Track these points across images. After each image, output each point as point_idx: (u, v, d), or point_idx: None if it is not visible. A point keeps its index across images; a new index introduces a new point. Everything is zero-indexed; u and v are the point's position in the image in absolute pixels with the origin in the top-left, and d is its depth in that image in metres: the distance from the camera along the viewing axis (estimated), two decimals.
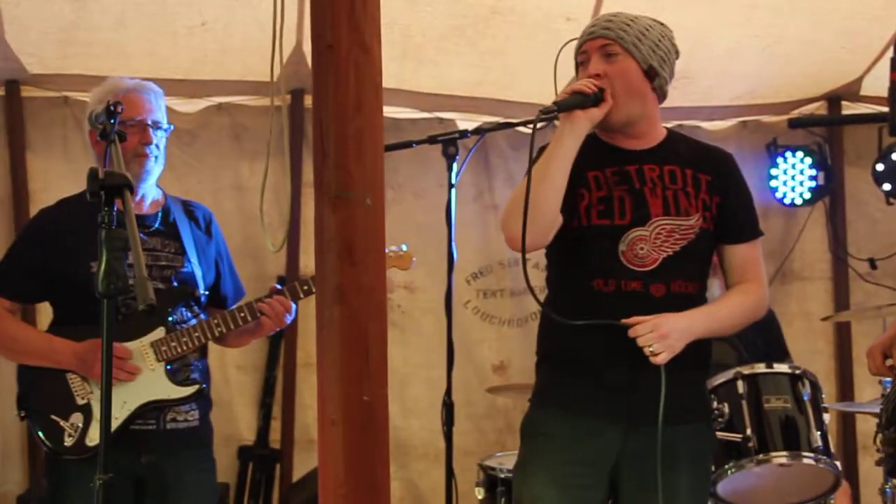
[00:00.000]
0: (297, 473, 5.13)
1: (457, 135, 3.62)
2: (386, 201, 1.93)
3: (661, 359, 2.52)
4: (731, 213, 2.73)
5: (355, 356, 1.83)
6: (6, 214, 4.82)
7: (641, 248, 2.63)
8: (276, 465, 5.13)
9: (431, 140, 3.60)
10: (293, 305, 3.20)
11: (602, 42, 2.65)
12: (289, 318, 3.19)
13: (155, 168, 3.14)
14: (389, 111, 4.90)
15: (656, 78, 2.68)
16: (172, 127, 3.18)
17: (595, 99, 2.60)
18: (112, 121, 2.59)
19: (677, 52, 2.75)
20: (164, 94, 3.21)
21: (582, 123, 2.60)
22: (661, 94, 2.73)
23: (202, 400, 3.15)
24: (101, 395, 2.26)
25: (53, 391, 3.00)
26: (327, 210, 1.86)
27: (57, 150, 4.91)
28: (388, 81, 1.91)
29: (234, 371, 5.08)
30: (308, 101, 4.95)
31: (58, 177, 4.86)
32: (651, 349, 2.52)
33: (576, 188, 2.65)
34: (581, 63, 2.72)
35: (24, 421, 3.05)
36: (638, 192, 2.67)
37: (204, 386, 3.13)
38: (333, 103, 1.84)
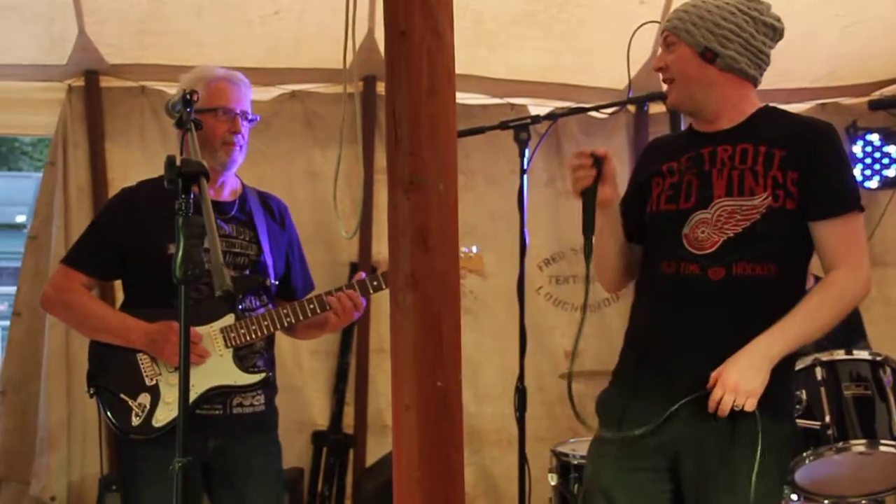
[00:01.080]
0: (371, 458, 5.16)
1: (529, 120, 3.59)
2: (458, 187, 1.92)
3: (749, 406, 2.48)
4: (811, 187, 2.58)
5: (429, 342, 1.83)
6: (85, 203, 4.91)
7: (702, 232, 2.62)
8: (349, 450, 5.17)
9: (503, 126, 3.58)
10: (363, 301, 3.21)
11: (664, 35, 2.72)
12: (356, 315, 3.21)
13: (240, 157, 3.19)
14: (461, 97, 4.89)
15: (717, 58, 2.64)
16: (258, 118, 3.22)
17: (595, 163, 2.74)
18: (188, 109, 2.63)
19: (765, 25, 2.68)
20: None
21: (607, 208, 2.74)
22: (739, 72, 2.67)
23: (268, 387, 3.19)
24: (179, 379, 2.30)
25: (123, 370, 3.05)
26: (400, 196, 1.86)
27: (134, 139, 4.98)
28: (459, 67, 1.90)
29: (307, 357, 5.13)
30: (380, 87, 4.96)
31: (135, 165, 4.93)
32: (737, 405, 2.48)
33: (652, 179, 2.74)
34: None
35: (94, 398, 3.09)
36: (705, 175, 2.65)
37: (270, 374, 3.17)
38: (406, 89, 1.84)
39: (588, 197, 2.69)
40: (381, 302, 4.72)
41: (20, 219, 11.83)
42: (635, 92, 2.87)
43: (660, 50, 2.71)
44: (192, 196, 2.32)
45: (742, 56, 2.65)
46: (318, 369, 5.20)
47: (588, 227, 2.68)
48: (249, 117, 3.18)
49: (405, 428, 1.83)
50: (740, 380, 2.47)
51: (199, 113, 3.00)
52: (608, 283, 2.87)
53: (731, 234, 2.59)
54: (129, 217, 3.12)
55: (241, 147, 3.16)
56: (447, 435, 1.83)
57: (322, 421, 5.18)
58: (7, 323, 5.26)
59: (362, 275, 3.27)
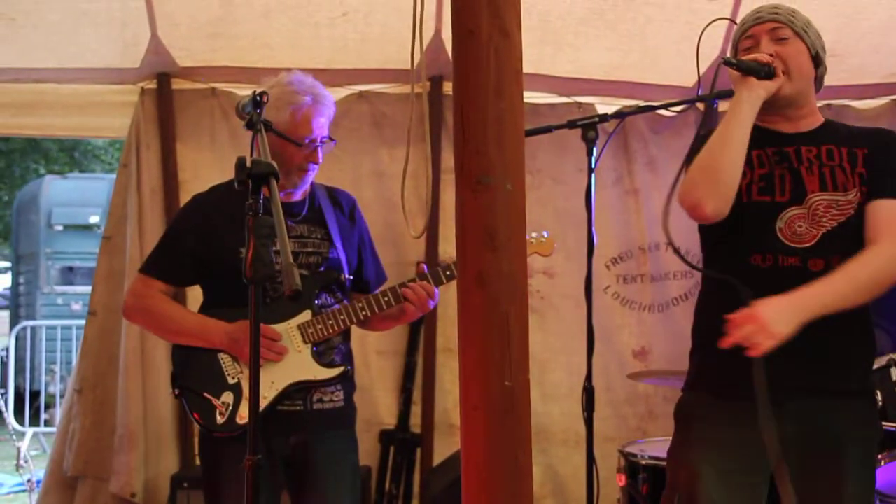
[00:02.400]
0: (438, 458, 5.17)
1: (596, 119, 3.58)
2: (525, 186, 1.92)
3: (758, 349, 2.40)
4: (875, 169, 2.66)
5: (497, 341, 1.82)
6: (158, 204, 4.98)
7: (800, 226, 2.62)
8: (416, 449, 5.18)
9: (571, 125, 3.57)
10: (436, 290, 3.23)
11: (772, 25, 2.70)
12: (432, 304, 3.23)
13: (312, 178, 3.23)
14: (528, 96, 4.88)
15: (820, 66, 2.74)
16: (335, 142, 3.23)
17: (768, 72, 2.63)
18: (258, 111, 2.65)
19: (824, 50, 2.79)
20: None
21: (758, 91, 2.63)
22: (820, 84, 2.78)
23: (346, 382, 3.22)
24: (249, 378, 2.33)
25: (205, 370, 3.10)
26: (468, 195, 1.85)
27: (205, 140, 5.05)
28: (526, 66, 1.89)
29: (374, 356, 5.16)
30: (447, 87, 4.97)
31: (205, 166, 5.00)
32: (754, 341, 2.41)
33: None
34: (747, 49, 2.74)
35: (179, 399, 3.15)
36: (795, 171, 2.67)
37: (349, 368, 3.19)
38: (474, 89, 1.83)
39: (755, 65, 2.62)
40: (449, 301, 4.72)
41: (93, 220, 12.04)
42: (704, 89, 2.84)
43: (764, 39, 2.69)
44: (262, 197, 2.34)
45: (825, 70, 2.77)
46: (386, 368, 5.22)
47: (744, 65, 2.62)
48: (326, 139, 3.19)
49: (473, 427, 1.83)
50: (771, 320, 2.41)
51: (279, 136, 3.05)
52: (723, 195, 2.57)
53: (829, 228, 2.62)
54: (202, 224, 3.16)
55: (314, 171, 3.20)
56: (515, 434, 1.82)
57: (389, 420, 5.20)
58: (82, 322, 5.36)
59: (424, 267, 3.29)
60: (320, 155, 3.17)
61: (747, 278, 2.60)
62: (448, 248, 5.08)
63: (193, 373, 3.11)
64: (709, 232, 2.79)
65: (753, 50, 2.70)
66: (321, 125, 3.15)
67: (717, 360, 2.66)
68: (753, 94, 2.62)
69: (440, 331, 5.20)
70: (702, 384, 2.75)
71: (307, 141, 3.11)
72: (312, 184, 3.30)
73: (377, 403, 5.16)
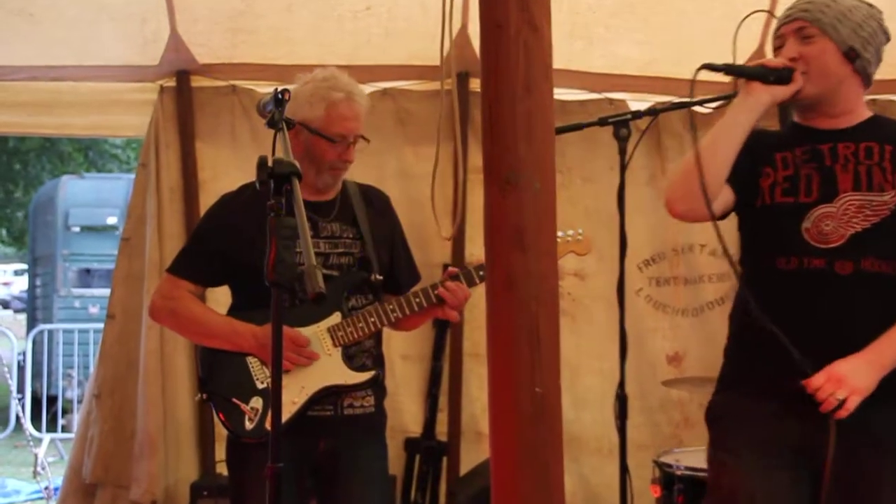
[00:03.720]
0: (465, 466, 5.16)
1: (629, 116, 3.58)
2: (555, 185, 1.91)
3: (850, 403, 2.43)
4: None
5: (526, 346, 1.82)
6: (177, 204, 5.01)
7: (827, 225, 2.59)
8: (442, 457, 5.17)
9: (602, 122, 3.57)
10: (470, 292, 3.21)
11: (798, 24, 2.66)
12: (464, 304, 3.21)
13: (344, 174, 3.24)
14: (557, 92, 4.85)
15: (857, 60, 2.66)
16: (369, 141, 3.23)
17: (780, 76, 2.59)
18: (280, 109, 2.66)
19: (887, 36, 2.72)
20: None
21: (759, 97, 2.60)
22: (865, 77, 2.70)
23: (377, 387, 3.22)
24: (271, 384, 2.34)
25: (234, 375, 3.11)
26: (496, 195, 1.85)
27: (225, 138, 5.07)
28: (555, 61, 1.89)
29: (399, 361, 5.14)
30: (473, 84, 4.97)
31: (225, 165, 5.03)
32: (836, 397, 2.43)
33: (761, 168, 2.67)
34: (776, 48, 2.73)
35: (206, 404, 3.16)
36: (827, 170, 2.63)
37: (379, 372, 3.19)
38: (502, 85, 1.83)
39: (759, 70, 2.61)
40: (476, 304, 4.72)
41: (111, 220, 12.11)
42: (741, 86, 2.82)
43: (789, 40, 2.67)
44: (285, 196, 2.35)
45: (873, 61, 2.70)
46: (411, 374, 5.22)
47: (735, 69, 2.62)
48: (359, 138, 3.20)
49: (502, 435, 1.83)
50: (850, 375, 2.44)
51: (313, 133, 3.07)
52: (692, 200, 2.55)
53: (860, 229, 2.57)
54: (229, 224, 3.17)
55: (347, 169, 3.21)
56: (546, 442, 1.82)
57: (415, 427, 5.20)
58: (100, 325, 5.40)
59: (454, 270, 3.28)
60: (353, 154, 3.17)
61: (773, 282, 2.61)
62: (475, 250, 5.08)
63: (221, 377, 3.12)
64: (742, 234, 2.79)
65: (781, 51, 2.69)
66: (356, 124, 3.16)
67: (752, 359, 2.67)
68: (752, 99, 2.60)
69: (467, 335, 5.20)
70: (736, 384, 2.74)
71: (341, 138, 3.12)
72: (344, 182, 3.30)
73: (402, 410, 5.16)
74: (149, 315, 3.36)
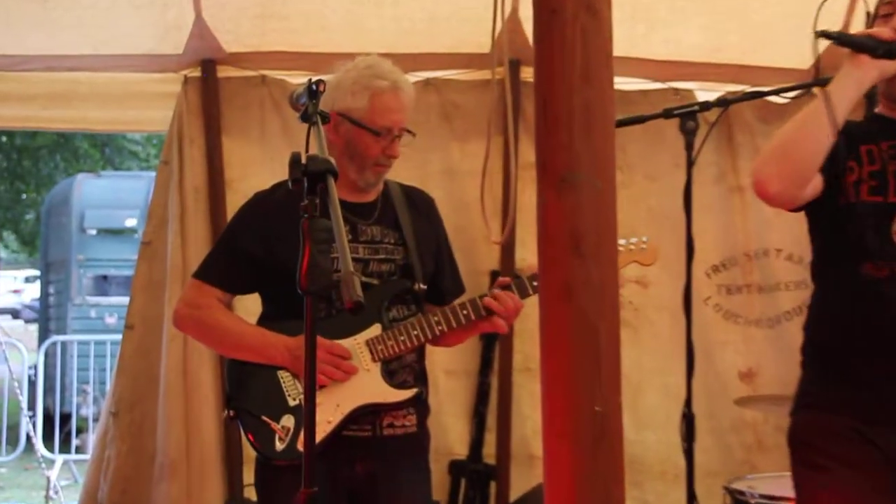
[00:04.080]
0: (515, 492, 5.16)
1: (696, 107, 3.56)
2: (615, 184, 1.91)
3: None
4: None
5: (585, 360, 1.82)
6: (202, 205, 5.05)
7: None
8: (490, 482, 5.18)
9: (667, 114, 3.56)
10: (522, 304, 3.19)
11: None
12: (515, 317, 3.20)
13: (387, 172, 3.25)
14: (618, 82, 4.85)
15: None
16: (415, 135, 3.24)
17: (889, 50, 2.54)
18: (314, 101, 2.67)
19: None
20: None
21: (868, 71, 2.56)
22: None
23: (420, 405, 3.23)
24: (304, 402, 2.34)
25: (264, 390, 3.13)
26: (551, 195, 1.85)
27: (254, 134, 5.11)
28: (615, 48, 1.89)
29: (442, 376, 5.14)
30: (525, 73, 4.96)
31: (254, 163, 5.06)
32: None
33: (845, 162, 2.64)
34: (885, 16, 2.67)
35: (233, 422, 3.17)
36: None
37: (422, 390, 3.20)
38: (558, 74, 1.83)
39: (868, 41, 2.55)
40: (528, 315, 4.72)
41: (130, 223, 12.22)
42: (824, 72, 2.80)
43: (885, 11, 2.64)
44: (320, 196, 2.36)
45: None
46: (456, 391, 5.23)
47: (846, 38, 2.55)
48: (404, 132, 3.21)
49: (557, 458, 1.83)
50: None
51: (355, 125, 3.09)
52: (791, 176, 2.56)
53: None
54: (263, 225, 3.19)
55: (390, 166, 3.22)
56: (606, 466, 1.82)
57: (460, 449, 5.21)
58: (117, 337, 5.45)
59: (505, 279, 3.27)
60: (399, 150, 3.18)
61: (860, 290, 2.59)
62: (526, 255, 5.08)
63: (250, 393, 3.14)
64: (817, 238, 2.78)
65: (890, 18, 2.63)
66: (402, 116, 3.17)
67: (834, 376, 2.65)
68: (860, 72, 2.55)
69: (518, 347, 5.20)
70: (818, 404, 2.72)
71: (386, 131, 3.14)
72: (386, 182, 3.31)
73: (446, 430, 5.16)
74: (172, 324, 3.39)
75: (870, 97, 2.85)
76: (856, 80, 2.56)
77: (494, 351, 5.19)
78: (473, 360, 5.22)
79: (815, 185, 2.62)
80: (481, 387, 5.21)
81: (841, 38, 2.55)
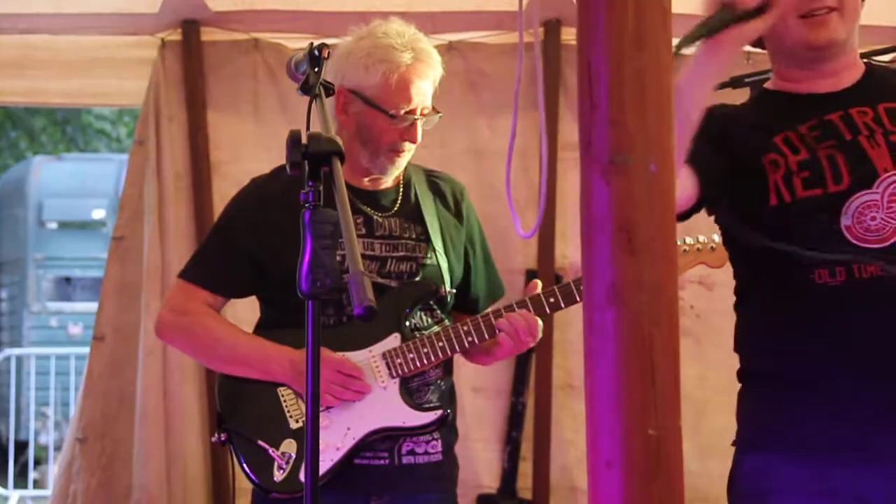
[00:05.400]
0: None
1: (770, 74, 3.56)
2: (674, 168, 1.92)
3: None
4: None
5: (637, 376, 1.83)
6: (184, 193, 5.10)
7: (873, 218, 2.55)
8: None
9: (736, 82, 3.55)
10: (539, 323, 3.18)
11: None
12: (531, 342, 3.20)
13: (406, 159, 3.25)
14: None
15: None
16: (440, 115, 3.25)
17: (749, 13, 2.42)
18: (317, 70, 2.68)
19: None
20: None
21: (729, 51, 2.47)
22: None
23: (445, 429, 3.25)
24: (306, 423, 2.36)
25: (262, 410, 3.16)
26: (597, 180, 1.86)
27: (245, 108, 5.14)
28: (674, 4, 1.89)
29: (469, 396, 5.16)
30: (566, 34, 4.98)
31: (246, 142, 5.09)
32: None
33: (761, 159, 2.63)
34: None
35: (224, 446, 3.20)
36: (853, 145, 2.61)
37: (448, 412, 3.20)
38: (605, 37, 1.84)
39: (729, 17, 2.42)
40: (570, 322, 4.73)
41: (97, 215, 12.26)
42: None
43: None
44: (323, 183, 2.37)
45: None
46: (485, 412, 5.25)
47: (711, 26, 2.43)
48: (429, 111, 3.21)
49: (606, 491, 1.84)
50: None
51: (368, 105, 3.10)
52: None
53: None
54: (262, 217, 3.22)
55: (410, 152, 3.22)
56: (662, 500, 1.83)
57: (490, 481, 5.23)
58: (84, 350, 5.47)
59: (537, 285, 3.28)
60: (419, 134, 3.18)
61: (813, 302, 2.59)
62: (567, 251, 5.10)
63: (246, 413, 3.17)
64: (743, 255, 2.82)
65: None
66: (423, 92, 3.17)
67: (790, 408, 2.68)
68: (720, 51, 2.45)
69: (557, 362, 5.21)
70: (767, 439, 2.76)
71: (404, 112, 3.14)
72: (408, 166, 3.31)
73: (474, 458, 5.17)
74: (155, 334, 3.41)
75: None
76: (711, 60, 2.48)
77: (530, 366, 5.21)
78: (505, 376, 5.24)
79: (686, 186, 2.58)
80: (514, 408, 5.22)
81: (686, 41, 2.45)
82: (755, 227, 2.68)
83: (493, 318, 3.18)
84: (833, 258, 2.54)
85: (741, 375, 2.90)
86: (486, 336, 3.18)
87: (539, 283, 3.27)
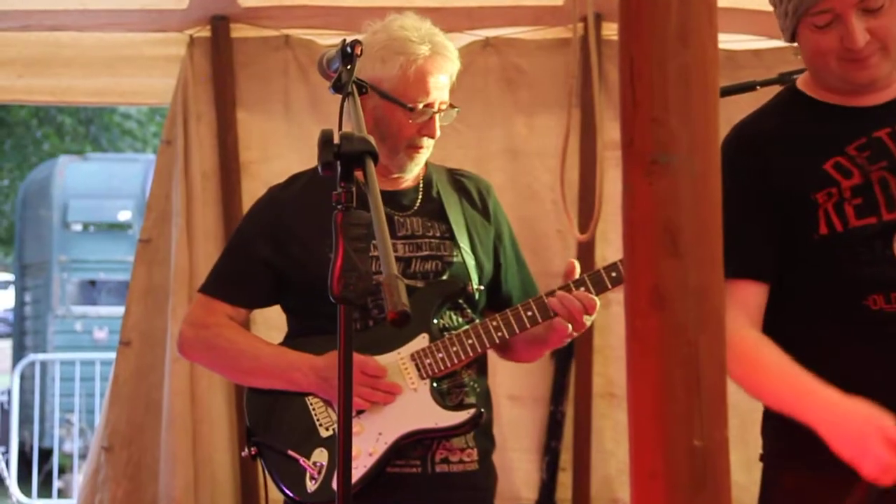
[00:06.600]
0: None
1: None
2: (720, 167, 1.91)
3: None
4: None
5: (681, 384, 1.82)
6: (212, 194, 5.11)
7: None
8: None
9: (783, 79, 3.54)
10: (596, 301, 3.15)
11: None
12: (588, 320, 3.16)
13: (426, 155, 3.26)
14: (723, 40, 4.83)
15: None
16: (458, 110, 3.26)
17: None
18: (349, 67, 2.68)
19: None
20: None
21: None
22: None
23: (481, 435, 3.24)
24: (339, 429, 2.36)
25: (291, 421, 3.17)
26: (639, 180, 1.86)
27: (276, 107, 5.15)
28: None
29: (505, 403, 5.15)
30: (608, 30, 4.96)
31: (276, 142, 5.10)
32: None
33: (813, 194, 2.63)
34: (821, 27, 2.65)
35: (255, 460, 3.21)
36: None
37: (482, 411, 3.17)
38: (648, 32, 1.84)
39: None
40: (611, 327, 4.71)
41: (123, 216, 12.30)
42: None
43: (851, 15, 2.58)
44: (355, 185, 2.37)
45: None
46: (522, 421, 5.24)
47: None
48: (446, 105, 3.22)
49: (649, 503, 1.84)
50: None
51: (385, 99, 3.11)
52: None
53: None
54: (278, 224, 3.23)
55: (429, 148, 3.23)
56: None
57: (528, 492, 5.22)
58: (110, 355, 5.48)
59: (575, 266, 3.22)
60: (437, 129, 3.20)
61: (867, 330, 2.59)
62: (608, 253, 5.07)
63: (275, 425, 3.18)
64: (787, 287, 2.76)
65: (829, 29, 2.61)
66: (441, 86, 3.19)
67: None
68: None
69: (598, 369, 5.19)
70: (803, 456, 2.76)
71: (422, 106, 3.15)
72: (428, 165, 3.33)
73: (510, 469, 5.16)
74: (178, 350, 3.43)
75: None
76: None
77: (569, 373, 5.19)
78: (543, 383, 5.22)
79: (757, 299, 2.69)
80: (553, 416, 5.21)
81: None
82: (795, 255, 2.67)
83: (545, 297, 3.15)
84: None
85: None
86: (540, 319, 3.15)
87: (577, 262, 3.23)
